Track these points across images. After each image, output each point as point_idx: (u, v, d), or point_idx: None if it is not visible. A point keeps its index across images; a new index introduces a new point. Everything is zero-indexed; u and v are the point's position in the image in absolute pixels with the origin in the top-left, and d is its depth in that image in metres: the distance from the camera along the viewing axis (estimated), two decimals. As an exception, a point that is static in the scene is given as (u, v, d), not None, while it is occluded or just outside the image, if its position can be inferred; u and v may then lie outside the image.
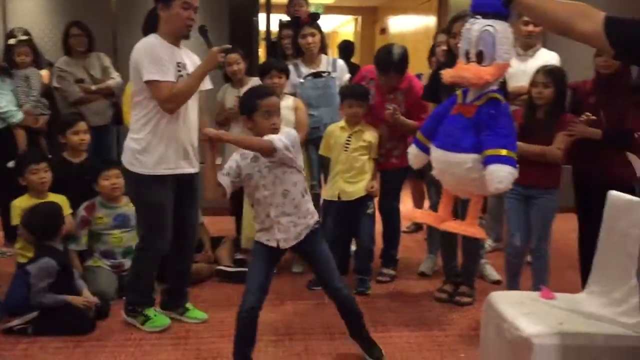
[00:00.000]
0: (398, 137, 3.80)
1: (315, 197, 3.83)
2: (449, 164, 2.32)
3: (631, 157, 3.11)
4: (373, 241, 3.82)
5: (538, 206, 3.15)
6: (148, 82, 2.90)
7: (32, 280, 3.09)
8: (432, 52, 4.79)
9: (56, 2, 5.25)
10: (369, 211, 3.72)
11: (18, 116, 4.26)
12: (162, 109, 2.94)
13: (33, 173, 3.50)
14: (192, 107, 3.10)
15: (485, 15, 2.21)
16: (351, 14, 12.41)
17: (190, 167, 3.13)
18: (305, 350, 2.98)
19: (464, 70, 2.24)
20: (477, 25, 2.22)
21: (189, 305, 3.34)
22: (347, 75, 4.17)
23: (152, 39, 2.99)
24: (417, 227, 5.03)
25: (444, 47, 4.46)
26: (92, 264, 3.62)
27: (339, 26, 14.38)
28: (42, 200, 3.45)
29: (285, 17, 4.68)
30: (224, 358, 2.86)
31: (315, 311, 3.43)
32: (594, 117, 3.06)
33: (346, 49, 6.18)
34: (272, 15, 5.37)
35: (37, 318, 3.11)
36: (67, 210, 3.47)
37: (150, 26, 3.13)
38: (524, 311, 2.24)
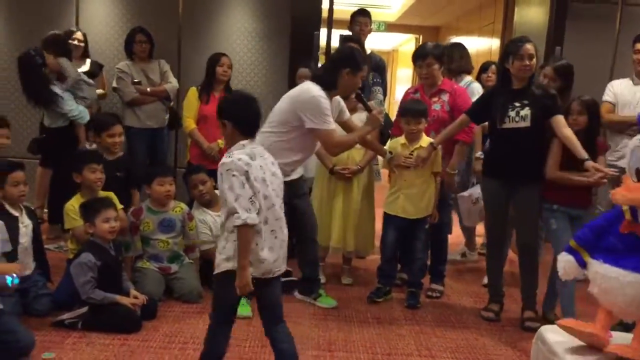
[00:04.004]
0: (445, 152, 3.82)
1: None
2: (620, 283, 2.15)
3: None
4: (426, 255, 3.85)
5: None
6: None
7: (72, 273, 3.20)
8: (483, 69, 4.78)
9: (126, 8, 5.42)
10: (426, 226, 3.78)
11: (87, 117, 4.41)
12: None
13: (92, 171, 3.59)
14: None
15: None
16: (412, 32, 12.37)
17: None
18: (346, 368, 2.94)
19: None
20: None
21: (321, 291, 3.73)
22: (380, 95, 4.38)
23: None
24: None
25: (491, 74, 4.50)
26: (141, 266, 3.68)
27: (400, 44, 14.36)
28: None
29: (346, 32, 4.72)
30: (265, 368, 2.86)
31: (358, 328, 3.39)
32: None
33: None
34: (333, 31, 5.40)
35: (87, 314, 3.19)
36: (118, 205, 3.53)
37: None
38: (577, 347, 2.14)
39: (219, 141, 4.32)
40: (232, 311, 2.53)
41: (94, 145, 4.24)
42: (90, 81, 4.58)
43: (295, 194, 3.59)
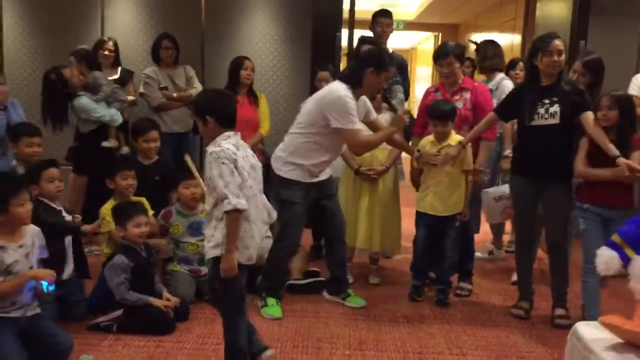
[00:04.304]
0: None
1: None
2: None
3: None
4: (456, 253, 3.86)
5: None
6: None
7: (106, 275, 3.27)
8: (511, 66, 4.78)
9: (151, 14, 5.51)
10: (456, 223, 3.79)
11: (120, 119, 4.49)
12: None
13: (124, 178, 3.66)
14: None
15: None
16: (431, 30, 12.35)
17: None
18: (378, 367, 2.96)
19: None
20: None
21: (350, 291, 3.76)
22: (401, 95, 4.42)
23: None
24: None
25: (519, 71, 4.50)
26: (172, 269, 3.73)
27: (419, 42, 14.33)
28: None
29: (368, 34, 4.74)
30: (298, 369, 2.90)
31: (388, 327, 3.41)
32: None
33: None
34: (355, 31, 5.43)
35: (122, 316, 3.25)
36: (149, 211, 3.60)
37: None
38: (614, 343, 2.14)
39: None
40: (241, 300, 2.62)
41: (126, 149, 4.34)
42: (118, 86, 4.66)
43: (325, 195, 3.64)
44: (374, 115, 3.65)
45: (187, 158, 3.39)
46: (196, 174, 3.34)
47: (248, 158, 2.58)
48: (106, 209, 3.59)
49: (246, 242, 2.53)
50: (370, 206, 4.01)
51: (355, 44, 5.38)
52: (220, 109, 2.58)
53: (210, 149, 2.50)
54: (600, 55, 3.87)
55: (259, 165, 2.66)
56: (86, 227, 3.44)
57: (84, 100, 4.38)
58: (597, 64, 3.74)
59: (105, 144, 4.40)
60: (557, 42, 3.31)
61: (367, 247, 4.07)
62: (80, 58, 4.42)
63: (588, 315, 3.28)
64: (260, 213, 2.64)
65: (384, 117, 3.88)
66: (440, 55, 3.87)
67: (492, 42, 4.74)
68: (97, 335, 3.18)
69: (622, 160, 3.13)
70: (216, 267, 2.52)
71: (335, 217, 3.71)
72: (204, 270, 3.72)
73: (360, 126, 3.46)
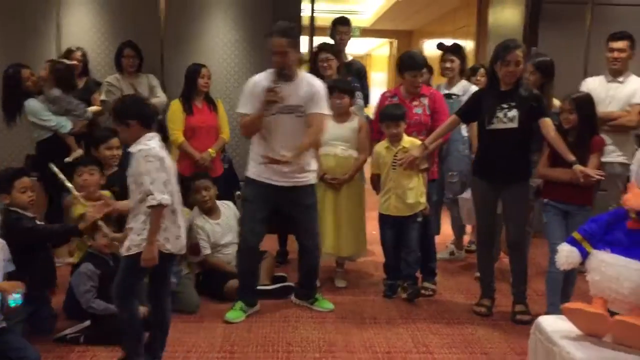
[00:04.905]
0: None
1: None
2: (628, 269, 2.24)
3: None
4: (419, 247, 3.97)
5: (576, 222, 3.19)
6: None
7: (72, 284, 3.23)
8: (473, 72, 4.94)
9: (108, 22, 5.44)
10: (418, 219, 3.91)
11: (68, 126, 4.40)
12: None
13: (79, 175, 3.57)
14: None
15: None
16: (386, 37, 12.54)
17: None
18: (349, 368, 3.02)
19: None
20: None
21: (318, 295, 3.81)
22: (360, 101, 4.50)
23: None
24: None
25: (480, 77, 4.66)
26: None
27: (374, 48, 14.53)
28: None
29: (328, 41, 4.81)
30: (270, 373, 2.93)
31: (356, 329, 3.47)
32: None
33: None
34: (314, 38, 5.49)
35: (89, 327, 3.21)
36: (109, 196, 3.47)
37: None
38: (575, 335, 2.25)
39: (210, 150, 4.36)
40: (133, 287, 2.82)
41: (79, 152, 4.30)
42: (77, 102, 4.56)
43: (294, 204, 3.61)
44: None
45: (52, 166, 3.27)
46: (67, 183, 3.29)
47: (168, 157, 2.77)
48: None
49: (178, 233, 2.77)
50: (335, 212, 4.07)
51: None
52: (142, 111, 2.77)
53: (137, 147, 2.68)
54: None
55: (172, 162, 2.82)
56: (81, 225, 3.26)
57: (34, 103, 4.35)
58: (546, 64, 3.91)
59: (68, 159, 4.22)
60: (517, 53, 3.40)
61: (335, 252, 4.12)
62: (53, 70, 4.35)
63: (549, 302, 3.43)
64: (180, 207, 2.86)
65: (350, 125, 4.05)
66: (414, 67, 3.94)
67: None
68: (64, 347, 3.13)
69: (577, 168, 3.28)
70: (137, 259, 2.68)
71: (305, 230, 3.70)
72: (172, 280, 3.68)
73: (245, 110, 3.45)
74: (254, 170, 3.56)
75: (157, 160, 2.64)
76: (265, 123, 3.44)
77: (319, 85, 3.51)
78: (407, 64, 3.96)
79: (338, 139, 4.04)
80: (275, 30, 3.37)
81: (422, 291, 4.03)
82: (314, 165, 3.67)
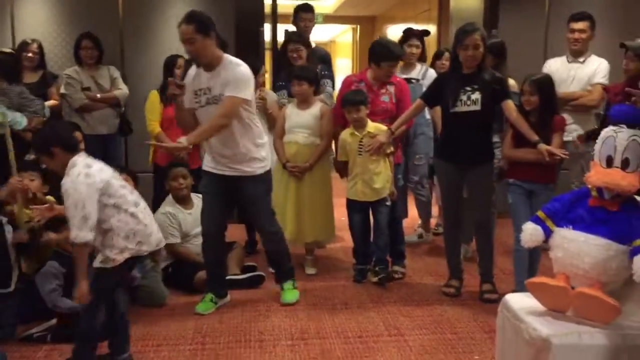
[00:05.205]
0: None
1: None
2: (588, 245, 2.27)
3: None
4: (387, 228, 4.00)
5: (540, 201, 3.27)
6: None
7: (37, 284, 3.17)
8: (437, 56, 4.94)
9: (65, 13, 5.30)
10: (387, 203, 3.95)
11: (23, 122, 4.25)
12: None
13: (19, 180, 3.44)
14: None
15: (631, 126, 2.32)
16: (349, 23, 12.52)
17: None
18: (321, 353, 3.03)
19: (616, 178, 2.28)
20: (623, 134, 2.31)
21: (286, 284, 3.71)
22: (329, 88, 4.47)
23: None
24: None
25: (445, 61, 4.70)
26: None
27: (338, 35, 14.50)
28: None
29: (291, 28, 4.78)
30: (243, 362, 2.93)
31: (328, 315, 3.49)
32: None
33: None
34: (278, 26, 5.45)
35: (55, 326, 3.16)
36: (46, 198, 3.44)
37: None
38: (541, 311, 2.30)
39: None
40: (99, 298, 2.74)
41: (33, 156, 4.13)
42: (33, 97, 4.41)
43: (241, 194, 3.53)
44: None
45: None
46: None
47: (102, 164, 2.73)
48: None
49: (147, 231, 2.74)
50: (298, 199, 4.07)
51: (278, 38, 5.42)
52: (63, 136, 2.73)
53: (64, 180, 2.61)
54: (511, 43, 4.18)
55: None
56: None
57: None
58: (497, 46, 4.00)
59: (29, 157, 4.13)
60: (474, 37, 3.44)
61: (297, 239, 4.13)
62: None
63: (517, 280, 3.51)
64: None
65: (312, 111, 4.05)
66: (392, 58, 3.94)
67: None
68: (31, 347, 3.07)
69: (541, 147, 3.34)
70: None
71: (256, 219, 3.67)
72: (136, 274, 3.63)
73: (185, 101, 3.38)
74: (205, 160, 3.56)
75: (83, 192, 2.55)
76: (198, 115, 3.39)
77: (238, 69, 3.28)
78: (384, 54, 3.91)
79: (300, 126, 4.05)
80: (183, 18, 3.23)
81: (393, 275, 4.07)
82: (261, 154, 3.49)
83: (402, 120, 3.77)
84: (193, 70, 3.38)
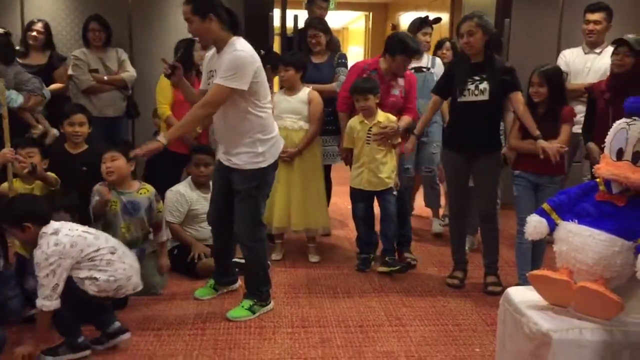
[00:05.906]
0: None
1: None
2: (594, 240, 2.22)
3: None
4: (396, 217, 3.98)
5: (546, 195, 3.22)
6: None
7: (35, 265, 3.13)
8: (438, 46, 4.92)
9: (73, -2, 5.30)
10: (394, 192, 3.94)
11: (19, 100, 4.21)
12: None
13: (29, 155, 3.41)
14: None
15: None
16: (362, 10, 12.40)
17: None
18: (320, 341, 3.02)
19: (626, 171, 2.22)
20: (636, 127, 2.24)
21: (245, 301, 3.35)
22: (343, 77, 4.30)
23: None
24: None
25: (445, 51, 4.66)
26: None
27: (350, 22, 14.38)
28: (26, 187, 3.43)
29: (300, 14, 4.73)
30: (240, 348, 2.92)
31: (330, 303, 3.47)
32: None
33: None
34: (287, 11, 5.39)
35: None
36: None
37: None
38: (542, 305, 2.26)
39: None
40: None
41: (54, 132, 4.17)
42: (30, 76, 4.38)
43: (234, 186, 3.31)
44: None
45: None
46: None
47: (72, 224, 2.82)
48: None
49: (127, 274, 2.84)
50: (286, 186, 4.05)
51: (287, 23, 5.37)
52: (37, 211, 2.76)
53: (35, 252, 2.67)
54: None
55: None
56: None
57: None
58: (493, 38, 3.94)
59: (32, 136, 4.15)
60: (466, 24, 3.43)
61: (284, 226, 4.11)
62: None
63: (521, 273, 3.49)
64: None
65: (299, 96, 4.04)
66: (412, 54, 3.89)
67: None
68: (33, 327, 3.06)
69: (539, 143, 3.33)
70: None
71: (235, 222, 3.30)
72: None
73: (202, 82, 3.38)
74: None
75: (53, 264, 2.63)
76: None
77: (232, 55, 3.02)
78: (402, 47, 3.83)
79: (288, 111, 4.02)
80: None
81: (410, 262, 4.05)
82: (258, 149, 3.16)
83: (424, 122, 3.81)
84: (212, 50, 3.30)
